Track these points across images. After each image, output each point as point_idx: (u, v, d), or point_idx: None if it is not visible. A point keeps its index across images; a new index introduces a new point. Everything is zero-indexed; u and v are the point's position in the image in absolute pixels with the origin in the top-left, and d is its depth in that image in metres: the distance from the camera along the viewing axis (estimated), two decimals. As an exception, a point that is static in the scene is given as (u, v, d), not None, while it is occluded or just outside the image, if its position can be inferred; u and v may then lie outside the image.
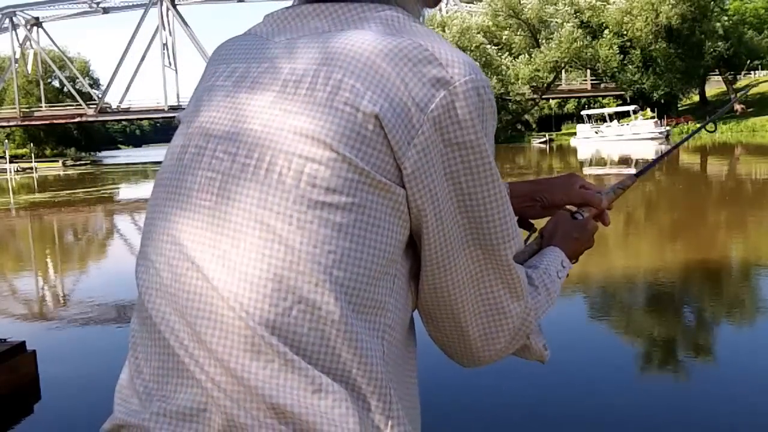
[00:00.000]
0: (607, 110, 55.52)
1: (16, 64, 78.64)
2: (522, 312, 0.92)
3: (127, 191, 29.49)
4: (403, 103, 0.79)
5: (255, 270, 0.78)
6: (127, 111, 78.15)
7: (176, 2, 74.94)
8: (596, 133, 51.03)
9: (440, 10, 67.94)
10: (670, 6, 52.31)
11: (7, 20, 77.98)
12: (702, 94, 63.10)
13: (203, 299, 0.80)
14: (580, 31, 55.32)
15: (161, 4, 73.95)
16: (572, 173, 1.22)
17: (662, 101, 56.38)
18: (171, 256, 0.83)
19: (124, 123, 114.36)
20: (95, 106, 74.09)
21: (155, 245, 0.85)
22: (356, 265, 0.79)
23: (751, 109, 55.39)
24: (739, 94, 50.87)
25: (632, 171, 1.32)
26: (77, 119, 75.32)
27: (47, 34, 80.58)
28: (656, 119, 50.84)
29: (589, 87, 67.23)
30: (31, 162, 53.66)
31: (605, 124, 51.92)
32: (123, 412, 0.85)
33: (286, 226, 0.78)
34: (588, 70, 62.36)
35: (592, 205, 1.17)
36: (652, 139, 45.57)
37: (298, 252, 0.77)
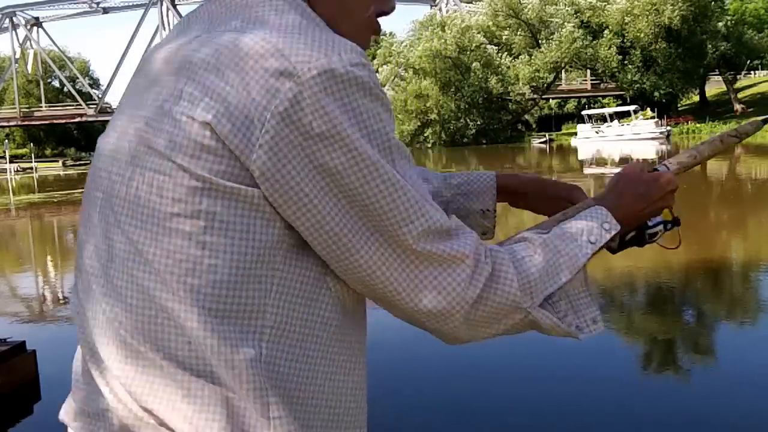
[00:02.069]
0: (607, 110, 55.49)
1: (16, 64, 78.60)
2: (471, 285, 0.84)
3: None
4: (242, 105, 0.77)
5: (124, 283, 0.82)
6: (127, 111, 77.89)
7: (176, 2, 74.96)
8: (597, 133, 51.00)
9: (440, 10, 68.03)
10: (671, 6, 52.30)
11: (7, 20, 77.97)
12: (702, 94, 63.11)
13: (94, 311, 0.86)
14: (580, 31, 55.32)
15: (161, 4, 73.98)
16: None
17: (662, 101, 56.36)
18: (81, 269, 0.90)
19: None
20: (95, 106, 74.10)
21: (78, 256, 0.92)
22: (211, 272, 0.79)
23: (751, 109, 55.40)
24: None
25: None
26: (77, 119, 75.35)
27: (47, 34, 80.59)
28: (657, 119, 50.82)
29: (589, 87, 67.22)
30: (31, 162, 53.71)
31: (606, 124, 51.90)
32: (64, 413, 0.96)
33: (142, 239, 0.81)
34: (588, 70, 62.35)
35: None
36: (652, 139, 45.55)
37: (156, 263, 0.80)
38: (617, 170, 1.05)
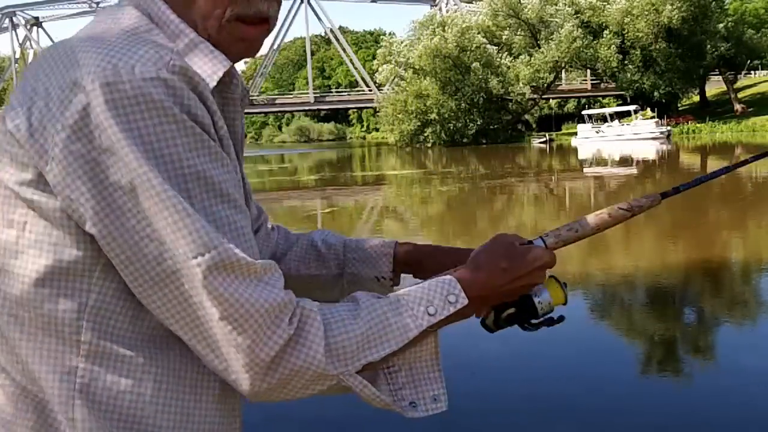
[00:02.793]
0: (607, 110, 55.45)
1: (16, 64, 78.58)
2: (265, 344, 0.77)
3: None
4: (42, 115, 0.75)
5: None
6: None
7: (176, 2, 74.91)
8: (597, 132, 50.95)
9: (440, 10, 68.03)
10: (671, 6, 52.28)
11: (7, 20, 78.03)
12: (702, 94, 63.07)
13: None
14: (580, 31, 55.27)
15: (161, 4, 73.91)
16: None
17: (662, 101, 56.33)
18: None
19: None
20: (95, 106, 74.04)
21: None
22: (25, 283, 0.78)
23: (751, 109, 55.37)
24: None
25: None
26: (77, 119, 75.28)
27: (47, 34, 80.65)
28: (657, 119, 50.80)
29: (589, 87, 67.18)
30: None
31: (606, 124, 51.87)
32: None
33: None
34: (588, 70, 62.33)
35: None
36: (653, 138, 45.54)
37: None
38: (489, 240, 0.96)
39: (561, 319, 0.97)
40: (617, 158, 31.62)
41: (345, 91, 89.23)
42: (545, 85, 59.44)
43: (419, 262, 1.13)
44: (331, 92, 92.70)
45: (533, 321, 0.96)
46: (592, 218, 1.02)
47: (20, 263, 0.78)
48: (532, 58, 57.45)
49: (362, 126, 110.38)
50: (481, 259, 0.94)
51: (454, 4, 68.78)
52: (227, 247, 0.75)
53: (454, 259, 1.03)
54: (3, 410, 0.82)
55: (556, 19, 56.62)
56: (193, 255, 0.74)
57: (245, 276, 0.76)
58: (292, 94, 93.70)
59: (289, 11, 75.85)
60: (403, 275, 1.17)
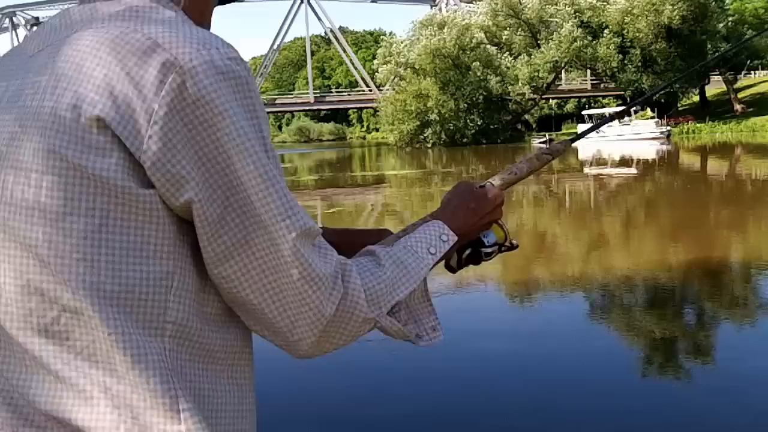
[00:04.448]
0: (607, 110, 55.47)
1: (16, 64, 78.54)
2: (330, 299, 0.86)
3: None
4: (129, 98, 0.78)
5: (17, 288, 0.81)
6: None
7: (176, 2, 74.89)
8: (597, 133, 50.97)
9: (440, 10, 68.02)
10: (671, 6, 52.28)
11: (7, 20, 78.00)
12: (702, 94, 63.07)
13: None
14: (580, 31, 55.26)
15: (161, 4, 73.90)
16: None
17: (662, 101, 56.34)
18: None
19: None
20: (95, 106, 74.00)
21: None
22: (113, 269, 0.79)
23: (751, 109, 55.38)
24: None
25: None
26: (77, 119, 75.25)
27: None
28: (657, 119, 50.81)
29: (589, 87, 67.18)
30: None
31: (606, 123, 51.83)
32: None
33: (33, 241, 0.79)
34: (588, 70, 62.33)
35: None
36: (653, 138, 45.56)
37: (52, 264, 0.79)
38: (453, 187, 1.13)
39: (513, 246, 1.15)
40: (617, 158, 31.63)
41: (345, 91, 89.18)
42: (545, 85, 59.43)
43: (333, 243, 1.16)
44: (331, 92, 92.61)
45: (486, 251, 1.13)
46: (524, 163, 1.22)
47: (104, 251, 0.79)
48: (532, 58, 57.45)
49: (362, 126, 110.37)
50: (453, 202, 1.09)
51: (454, 4, 68.76)
52: (304, 214, 0.85)
53: (365, 239, 1.12)
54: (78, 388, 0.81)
55: (556, 19, 56.62)
56: (282, 218, 0.82)
57: (313, 240, 0.86)
58: (292, 94, 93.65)
59: (289, 11, 75.89)
60: None
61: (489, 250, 1.13)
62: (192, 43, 0.80)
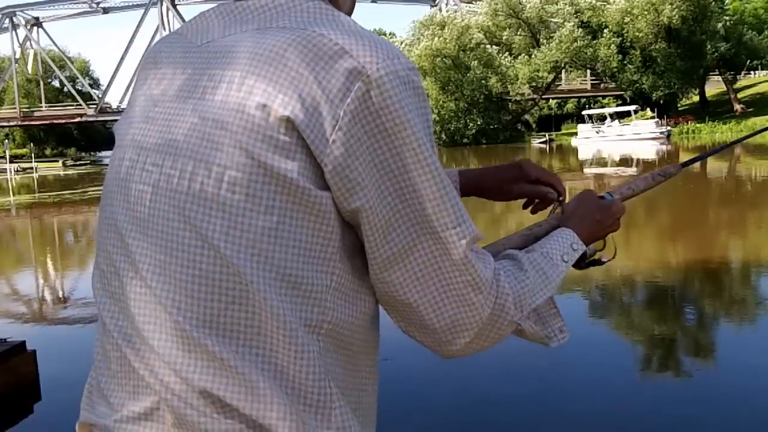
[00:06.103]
0: (607, 110, 55.49)
1: (16, 64, 78.57)
2: (488, 302, 0.89)
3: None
4: (317, 102, 0.79)
5: (188, 276, 0.82)
6: (127, 111, 77.82)
7: (176, 2, 74.94)
8: (597, 133, 51.00)
9: (440, 10, 68.00)
10: (671, 6, 52.29)
11: (7, 20, 77.92)
12: (702, 94, 63.08)
13: (147, 306, 0.85)
14: (580, 30, 55.28)
15: (161, 4, 73.93)
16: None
17: (662, 101, 56.35)
18: (119, 266, 0.88)
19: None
20: (95, 106, 73.99)
21: (105, 255, 0.92)
22: (283, 266, 0.81)
23: (750, 109, 55.40)
24: None
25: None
26: (77, 119, 75.25)
27: (47, 34, 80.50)
28: (657, 119, 50.83)
29: (589, 87, 67.18)
30: (31, 162, 53.66)
31: (606, 124, 51.89)
32: (92, 414, 0.93)
33: (210, 233, 0.81)
34: (588, 70, 62.34)
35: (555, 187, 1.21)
36: (653, 139, 45.56)
37: (227, 256, 0.80)
38: (578, 193, 1.15)
39: (602, 262, 1.18)
40: (617, 158, 31.62)
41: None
42: (545, 85, 59.46)
43: (485, 187, 1.29)
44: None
45: (590, 261, 1.16)
46: (641, 181, 1.28)
47: (279, 248, 0.81)
48: (532, 58, 57.46)
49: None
50: (580, 212, 1.12)
51: (454, 4, 68.76)
52: (470, 221, 0.87)
53: (497, 177, 1.26)
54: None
55: (556, 19, 56.64)
56: (453, 226, 0.84)
57: (476, 245, 0.89)
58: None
59: (289, 11, 75.62)
60: None
61: (592, 259, 1.15)
62: (378, 52, 0.82)
